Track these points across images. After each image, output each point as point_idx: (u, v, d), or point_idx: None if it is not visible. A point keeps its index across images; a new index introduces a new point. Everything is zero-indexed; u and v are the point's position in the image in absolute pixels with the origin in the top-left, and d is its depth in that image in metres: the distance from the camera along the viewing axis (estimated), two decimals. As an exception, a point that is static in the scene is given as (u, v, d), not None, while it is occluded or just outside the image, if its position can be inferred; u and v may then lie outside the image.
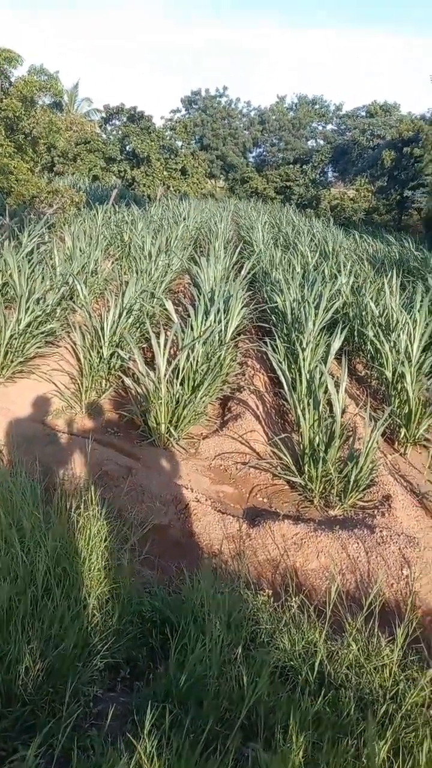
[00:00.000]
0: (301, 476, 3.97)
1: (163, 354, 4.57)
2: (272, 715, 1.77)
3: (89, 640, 2.05)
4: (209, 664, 1.88)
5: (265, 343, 6.01)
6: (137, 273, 7.91)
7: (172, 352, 5.27)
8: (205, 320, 5.77)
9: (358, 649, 2.13)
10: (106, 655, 2.03)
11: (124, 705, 1.89)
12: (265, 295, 7.90)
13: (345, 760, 1.57)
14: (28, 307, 5.44)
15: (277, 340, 5.79)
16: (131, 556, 2.68)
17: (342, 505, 3.78)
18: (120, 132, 16.89)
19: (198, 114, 33.60)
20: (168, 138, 17.84)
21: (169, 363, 4.65)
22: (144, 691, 1.91)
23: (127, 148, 16.72)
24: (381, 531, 3.30)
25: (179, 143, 18.75)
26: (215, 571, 2.69)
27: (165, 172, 17.20)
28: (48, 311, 5.86)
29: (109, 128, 18.02)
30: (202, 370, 4.98)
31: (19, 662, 1.79)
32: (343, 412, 4.85)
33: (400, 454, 4.70)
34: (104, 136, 17.72)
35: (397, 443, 4.83)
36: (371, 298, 6.94)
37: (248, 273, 8.45)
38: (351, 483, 3.77)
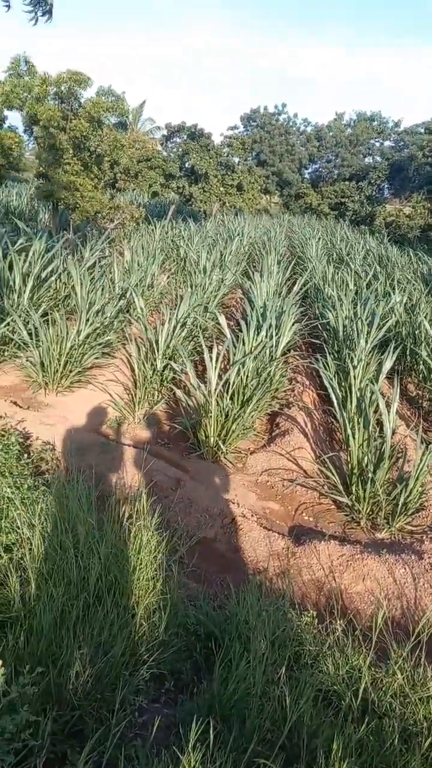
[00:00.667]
0: (348, 496, 3.94)
1: (215, 368, 4.64)
2: (315, 739, 1.77)
3: (136, 650, 2.10)
4: (253, 682, 1.90)
5: (316, 359, 6.00)
6: (192, 287, 8.05)
7: (223, 366, 5.34)
8: (257, 335, 5.81)
9: (404, 679, 2.10)
10: (152, 666, 2.07)
11: (168, 717, 1.93)
12: (317, 311, 7.88)
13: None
14: (88, 319, 5.64)
15: (328, 356, 5.76)
16: (179, 568, 2.73)
17: (389, 528, 3.71)
18: (180, 149, 17.29)
19: (256, 131, 33.94)
20: (225, 154, 18.12)
21: (220, 377, 4.72)
22: (188, 705, 1.94)
23: (186, 164, 17.08)
24: (430, 557, 3.23)
25: (236, 159, 18.99)
26: (260, 588, 2.70)
27: (221, 188, 17.45)
28: (106, 323, 6.05)
29: (170, 146, 18.47)
30: (252, 385, 5.01)
31: (69, 666, 1.86)
32: (394, 432, 4.78)
33: (453, 479, 4.57)
34: (165, 153, 18.16)
35: (449, 468, 4.71)
36: (425, 317, 6.81)
37: (301, 289, 8.46)
38: (399, 506, 3.70)
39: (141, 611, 2.27)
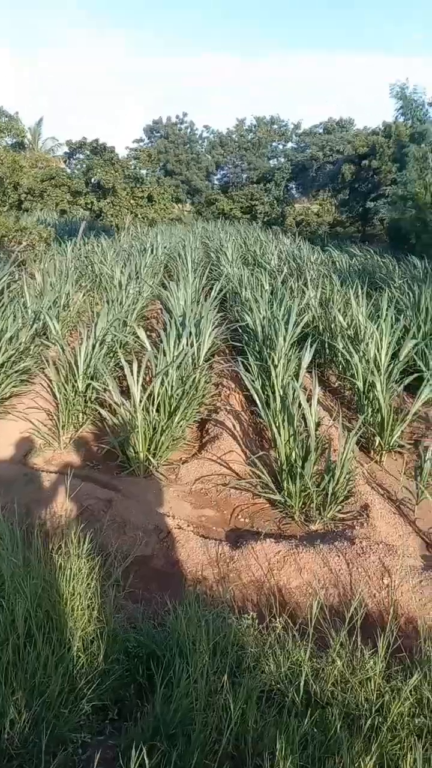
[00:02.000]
0: (280, 493, 4.01)
1: (137, 382, 4.60)
2: (261, 741, 1.78)
3: (75, 684, 2.04)
4: (195, 696, 1.89)
5: (239, 362, 6.08)
6: (108, 303, 7.96)
7: (147, 379, 5.31)
8: (178, 344, 5.82)
9: (343, 665, 2.15)
10: (93, 698, 2.02)
11: (113, 748, 1.88)
12: (236, 315, 8.00)
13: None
14: (0, 347, 5.45)
15: (250, 358, 5.86)
16: (116, 592, 2.67)
17: (322, 518, 3.82)
18: (84, 165, 17.08)
19: (161, 141, 34.10)
20: (132, 167, 18.09)
21: (143, 390, 4.68)
22: (132, 731, 1.90)
23: (92, 180, 16.88)
24: (361, 542, 3.34)
25: (144, 172, 19.00)
26: (199, 597, 2.70)
27: (132, 201, 17.39)
28: (21, 349, 5.87)
29: (73, 162, 18.21)
30: (178, 395, 5.01)
31: (3, 716, 1.78)
32: (318, 425, 4.92)
33: (376, 463, 4.77)
34: (68, 170, 17.89)
35: (372, 452, 4.90)
36: (339, 311, 7.07)
37: (218, 294, 8.55)
38: (329, 496, 3.81)
39: (77, 643, 2.21)
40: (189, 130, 35.16)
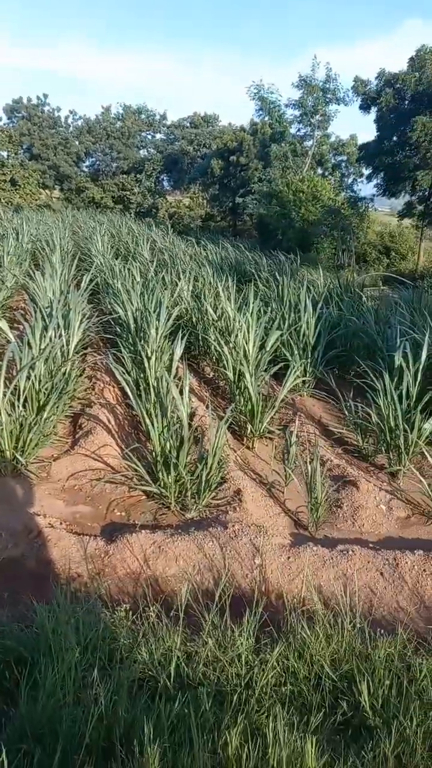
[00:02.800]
0: (156, 484, 4.02)
1: (0, 376, 4.33)
2: (132, 730, 1.78)
3: None
4: (63, 693, 1.83)
5: (114, 354, 5.98)
6: (-33, 293, 7.40)
7: (13, 373, 5.02)
8: (45, 336, 5.57)
9: (214, 645, 2.22)
10: None
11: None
12: (109, 307, 7.84)
13: (202, 756, 1.63)
14: None
15: (123, 350, 5.79)
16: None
17: (197, 506, 3.89)
18: None
19: (23, 123, 32.26)
20: (-8, 148, 16.95)
21: (6, 385, 4.42)
22: (-2, 739, 1.81)
23: None
24: (233, 525, 3.46)
25: (5, 153, 17.88)
26: (72, 595, 2.63)
27: (-8, 184, 16.31)
28: None
29: None
30: (47, 389, 4.81)
31: None
32: (193, 415, 5.01)
33: (248, 448, 4.96)
34: None
35: (245, 438, 5.09)
36: (210, 303, 7.22)
37: (89, 285, 8.32)
38: (203, 483, 3.90)
39: None
40: (54, 113, 33.68)
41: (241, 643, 2.22)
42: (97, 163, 33.45)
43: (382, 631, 2.48)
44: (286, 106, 22.92)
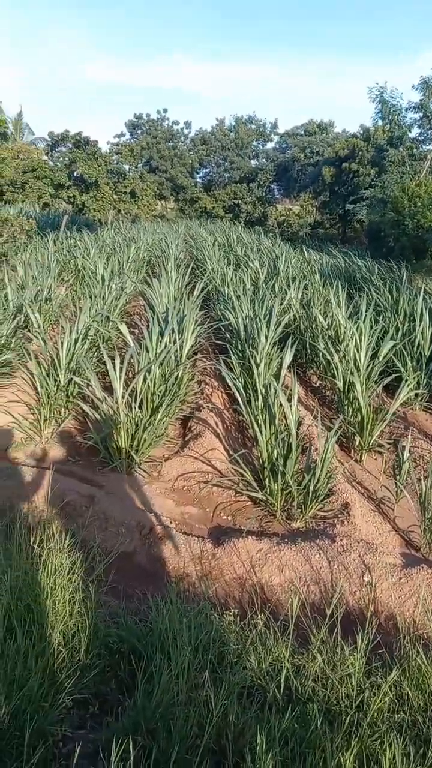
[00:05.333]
0: (261, 491, 4.02)
1: (119, 377, 4.57)
2: (242, 736, 1.79)
3: (56, 678, 2.03)
4: (177, 691, 1.89)
5: (223, 360, 6.09)
6: (91, 298, 7.90)
7: (129, 375, 5.28)
8: (160, 341, 5.80)
9: (323, 661, 2.18)
10: (73, 692, 2.01)
11: (94, 742, 1.87)
12: (219, 313, 8.01)
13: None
14: (-21, 340, 5.37)
15: (232, 356, 5.87)
16: (97, 587, 2.66)
17: (303, 516, 3.84)
18: (66, 158, 16.93)
19: (143, 137, 33.94)
20: (115, 162, 18.00)
21: (125, 386, 4.66)
22: (113, 726, 1.90)
23: (75, 173, 16.75)
24: (341, 540, 3.38)
25: (126, 167, 18.92)
26: (181, 594, 2.70)
27: (114, 196, 17.31)
28: (2, 342, 5.79)
29: (55, 155, 18.03)
30: (160, 392, 5.00)
31: (-18, 708, 1.76)
32: (300, 423, 4.95)
33: (356, 461, 4.82)
34: (51, 163, 17.71)
35: (353, 451, 4.95)
36: (319, 311, 7.12)
37: (201, 292, 8.55)
38: (310, 494, 3.84)
39: (58, 637, 2.19)
40: (172, 127, 35.04)
41: (352, 663, 2.15)
42: (211, 173, 34.32)
43: None
44: (406, 109, 22.12)
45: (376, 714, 1.91)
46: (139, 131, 34.77)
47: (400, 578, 3.09)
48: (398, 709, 1.98)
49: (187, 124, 35.72)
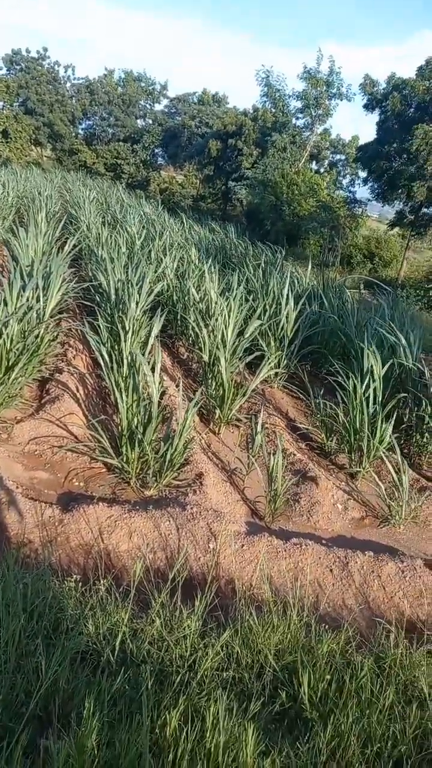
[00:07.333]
0: (118, 458, 3.98)
1: (-29, 332, 4.21)
2: (70, 701, 1.76)
3: None
4: (5, 660, 1.80)
5: (89, 323, 5.88)
6: None
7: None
8: (22, 295, 5.42)
9: (161, 624, 2.21)
10: None
11: None
12: (91, 273, 7.69)
13: (139, 733, 1.63)
14: None
15: (100, 320, 5.68)
16: None
17: (158, 485, 3.87)
18: None
19: (21, 75, 31.12)
20: (-14, 94, 16.31)
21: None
22: None
23: None
24: (192, 508, 3.45)
25: (0, 103, 17.25)
26: (21, 560, 2.58)
27: (-18, 132, 15.73)
28: None
29: None
30: (17, 350, 4.69)
31: None
32: (163, 393, 4.96)
33: (214, 433, 4.95)
34: None
35: (212, 423, 5.08)
36: (193, 284, 7.14)
37: (73, 249, 8.12)
38: (166, 463, 3.87)
39: None
40: (54, 68, 32.58)
41: (188, 626, 2.22)
42: (94, 126, 32.59)
43: (327, 626, 2.52)
44: (289, 96, 22.75)
45: (206, 673, 1.99)
46: (17, 67, 31.84)
47: (243, 545, 3.24)
48: (227, 667, 2.08)
49: (70, 68, 33.38)
